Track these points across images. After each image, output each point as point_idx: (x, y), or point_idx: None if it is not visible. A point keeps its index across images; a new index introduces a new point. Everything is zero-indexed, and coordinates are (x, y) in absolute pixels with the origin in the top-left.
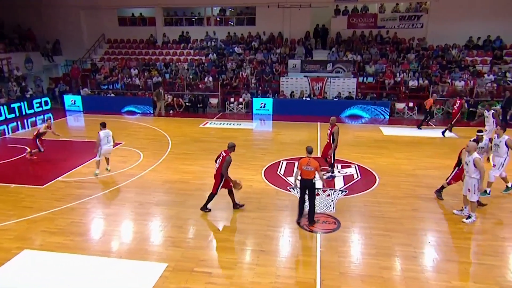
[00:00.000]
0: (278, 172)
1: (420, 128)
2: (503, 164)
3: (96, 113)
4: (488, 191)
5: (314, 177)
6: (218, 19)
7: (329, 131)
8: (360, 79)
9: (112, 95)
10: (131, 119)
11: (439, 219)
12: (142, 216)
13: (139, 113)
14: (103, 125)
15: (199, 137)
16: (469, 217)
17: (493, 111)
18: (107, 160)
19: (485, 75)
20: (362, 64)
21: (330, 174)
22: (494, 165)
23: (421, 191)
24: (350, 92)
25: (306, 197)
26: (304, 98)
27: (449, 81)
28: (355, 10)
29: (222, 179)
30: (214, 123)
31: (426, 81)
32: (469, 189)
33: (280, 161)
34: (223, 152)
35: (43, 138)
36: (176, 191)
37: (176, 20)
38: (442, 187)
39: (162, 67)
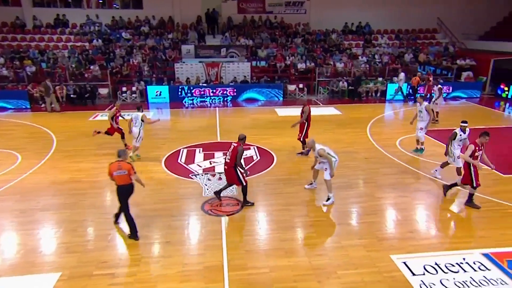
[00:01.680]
0: (179, 161)
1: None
2: (426, 127)
3: None
4: (422, 148)
5: (131, 180)
6: (100, 1)
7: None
8: (254, 63)
9: None
10: (1, 116)
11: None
12: (25, 225)
13: (11, 108)
14: (137, 108)
15: (90, 131)
16: (328, 199)
17: (440, 86)
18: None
19: (359, 57)
20: (254, 49)
21: (306, 151)
22: (421, 128)
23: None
24: (245, 76)
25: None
26: (200, 84)
27: (332, 63)
28: None
29: (237, 170)
30: (106, 115)
31: (313, 64)
32: (326, 168)
33: (180, 149)
34: (233, 143)
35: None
36: (66, 192)
37: (48, 1)
38: (453, 185)
39: (37, 54)
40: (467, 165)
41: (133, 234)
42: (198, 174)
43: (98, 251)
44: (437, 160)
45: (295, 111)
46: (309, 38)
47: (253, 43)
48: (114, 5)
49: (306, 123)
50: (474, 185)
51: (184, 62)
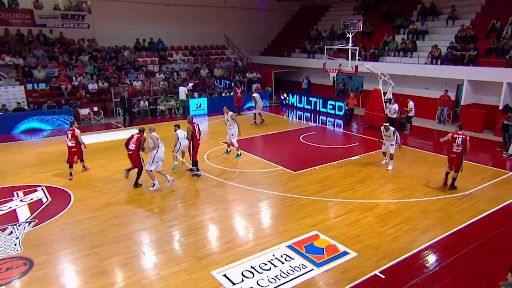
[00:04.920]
0: None
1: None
2: (236, 133)
3: None
4: (239, 153)
5: None
6: None
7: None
8: (29, 86)
9: None
10: None
11: (141, 218)
12: None
13: None
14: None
15: None
16: (153, 185)
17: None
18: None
19: (157, 74)
20: (28, 69)
21: (196, 172)
22: (232, 134)
23: (120, 195)
24: (19, 103)
25: None
26: None
27: (128, 81)
28: (1, 4)
29: (140, 155)
30: None
31: (106, 83)
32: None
33: None
34: (135, 134)
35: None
36: None
37: None
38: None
39: None
40: (461, 156)
41: None
42: None
43: None
44: (243, 169)
45: (92, 138)
46: (98, 56)
47: (25, 62)
48: None
49: (192, 142)
50: (461, 170)
51: None
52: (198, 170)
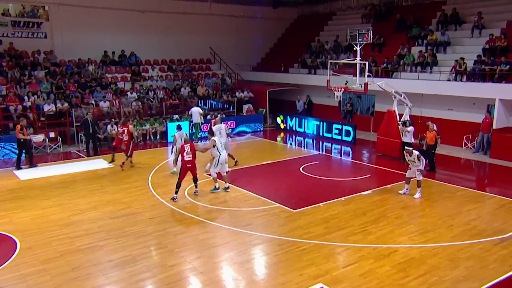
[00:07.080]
0: None
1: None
2: (217, 162)
3: None
4: (217, 186)
5: None
6: None
7: None
8: None
9: None
10: None
11: (105, 270)
12: None
13: None
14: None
15: None
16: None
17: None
18: None
19: (128, 93)
20: None
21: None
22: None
23: (81, 241)
24: None
25: None
26: None
27: (93, 102)
28: None
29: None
30: None
31: (66, 104)
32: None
33: None
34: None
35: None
36: None
37: None
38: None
39: None
40: None
41: None
42: None
43: None
44: (232, 207)
45: (47, 170)
46: (56, 71)
47: None
48: None
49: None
50: None
51: None
52: (176, 193)
